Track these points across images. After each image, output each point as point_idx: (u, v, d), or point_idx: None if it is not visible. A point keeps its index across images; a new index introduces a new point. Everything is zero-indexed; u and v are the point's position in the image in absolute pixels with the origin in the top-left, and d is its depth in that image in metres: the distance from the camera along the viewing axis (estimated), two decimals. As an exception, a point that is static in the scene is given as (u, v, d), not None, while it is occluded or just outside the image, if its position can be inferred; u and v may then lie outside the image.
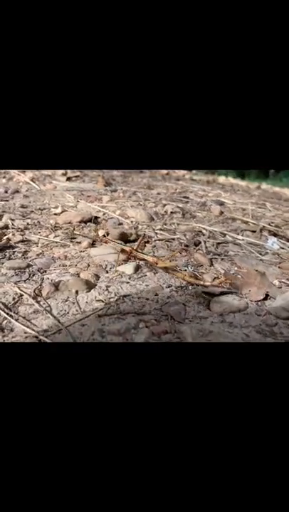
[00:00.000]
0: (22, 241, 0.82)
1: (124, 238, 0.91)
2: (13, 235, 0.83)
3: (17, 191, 1.38)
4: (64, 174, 1.94)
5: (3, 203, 1.17)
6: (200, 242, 0.97)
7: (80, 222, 1.06)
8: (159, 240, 0.97)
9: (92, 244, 0.85)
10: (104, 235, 0.95)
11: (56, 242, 0.85)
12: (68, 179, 1.91)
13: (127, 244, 0.89)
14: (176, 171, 4.61)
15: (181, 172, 4.32)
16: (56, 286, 0.59)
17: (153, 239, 0.97)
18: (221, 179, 4.47)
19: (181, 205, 1.49)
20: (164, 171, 4.08)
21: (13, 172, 1.81)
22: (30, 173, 1.85)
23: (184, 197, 1.73)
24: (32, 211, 1.12)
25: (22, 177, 1.72)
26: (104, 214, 1.21)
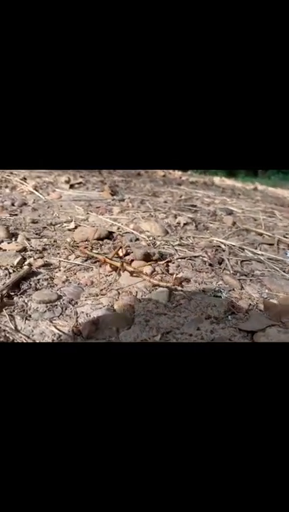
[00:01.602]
0: (43, 265, 0.78)
1: (148, 259, 0.88)
2: (34, 259, 0.78)
3: (24, 203, 1.33)
4: (67, 182, 1.89)
5: (13, 218, 1.12)
6: (223, 260, 0.95)
7: (97, 239, 1.02)
8: (181, 258, 0.94)
9: (115, 269, 0.82)
10: (124, 255, 0.91)
11: (78, 265, 0.81)
12: (71, 186, 1.86)
13: (149, 263, 0.86)
14: (172, 172, 4.60)
15: (177, 173, 4.31)
16: (96, 324, 0.55)
17: (175, 257, 0.94)
18: (217, 180, 4.48)
19: (191, 215, 1.47)
20: (161, 173, 4.06)
21: (16, 181, 1.75)
22: (32, 181, 1.79)
23: (192, 205, 1.70)
24: (44, 227, 1.07)
25: (25, 186, 1.66)
26: (118, 228, 1.17)
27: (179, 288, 0.73)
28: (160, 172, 4.05)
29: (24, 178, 1.87)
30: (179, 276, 0.81)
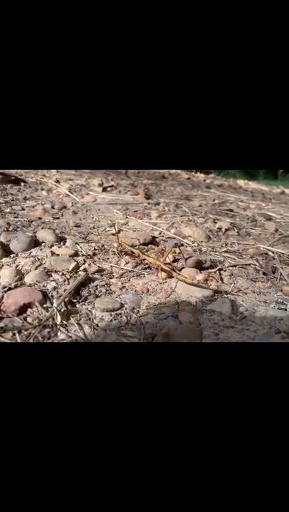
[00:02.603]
0: (97, 271, 0.76)
1: (199, 266, 0.85)
2: (89, 264, 0.77)
3: (64, 206, 1.33)
4: (100, 185, 1.89)
5: (56, 221, 1.12)
6: (276, 269, 0.91)
7: (141, 244, 1.00)
8: (231, 266, 0.90)
9: (169, 273, 0.79)
10: (173, 262, 0.89)
11: (130, 271, 0.80)
12: (104, 189, 1.86)
13: (202, 272, 0.83)
14: (195, 174, 4.55)
15: (201, 176, 4.27)
16: (168, 336, 0.53)
17: (225, 265, 0.90)
18: (241, 183, 4.40)
19: (230, 220, 1.43)
20: (186, 176, 4.02)
21: (51, 183, 1.77)
22: (66, 184, 1.80)
23: (228, 210, 1.66)
24: (89, 232, 1.06)
25: (60, 188, 1.68)
26: (160, 233, 1.15)
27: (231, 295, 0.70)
28: (184, 175, 4.02)
29: (57, 181, 1.88)
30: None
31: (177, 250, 0.98)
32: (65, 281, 0.68)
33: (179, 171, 4.49)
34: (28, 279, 0.65)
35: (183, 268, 0.85)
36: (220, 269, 0.87)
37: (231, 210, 1.65)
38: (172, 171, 4.39)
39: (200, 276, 0.79)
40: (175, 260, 0.90)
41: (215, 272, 0.85)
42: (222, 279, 0.81)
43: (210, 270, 0.86)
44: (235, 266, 0.90)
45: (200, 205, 1.71)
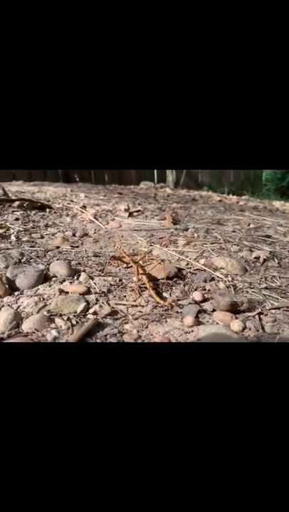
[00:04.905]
0: (110, 314, 0.65)
1: (235, 309, 0.70)
2: (101, 306, 0.66)
3: (85, 234, 1.26)
4: (126, 210, 1.83)
5: (74, 250, 1.04)
6: None
7: (166, 278, 0.88)
8: (274, 308, 0.74)
9: (197, 318, 0.65)
10: (202, 301, 0.75)
11: (148, 314, 0.67)
12: (130, 215, 1.79)
13: (238, 317, 0.68)
14: (228, 197, 4.40)
15: (234, 199, 4.10)
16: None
17: (266, 307, 0.74)
18: (278, 204, 4.16)
19: (269, 248, 1.26)
20: (217, 198, 3.89)
21: (76, 209, 1.73)
22: (92, 210, 1.76)
23: (266, 236, 1.49)
24: (107, 261, 0.96)
25: (85, 214, 1.63)
26: (187, 264, 1.02)
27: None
28: (216, 197, 3.89)
29: (84, 206, 1.85)
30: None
31: (207, 287, 0.84)
32: (69, 328, 0.57)
33: (210, 193, 4.38)
34: (25, 326, 0.55)
35: (214, 311, 0.71)
36: (260, 313, 0.71)
37: (269, 236, 1.48)
38: (203, 194, 4.28)
39: (236, 325, 0.64)
40: (205, 300, 0.76)
41: (254, 317, 0.69)
42: (263, 327, 0.66)
43: (248, 314, 0.70)
44: (278, 308, 0.74)
45: (233, 231, 1.55)
